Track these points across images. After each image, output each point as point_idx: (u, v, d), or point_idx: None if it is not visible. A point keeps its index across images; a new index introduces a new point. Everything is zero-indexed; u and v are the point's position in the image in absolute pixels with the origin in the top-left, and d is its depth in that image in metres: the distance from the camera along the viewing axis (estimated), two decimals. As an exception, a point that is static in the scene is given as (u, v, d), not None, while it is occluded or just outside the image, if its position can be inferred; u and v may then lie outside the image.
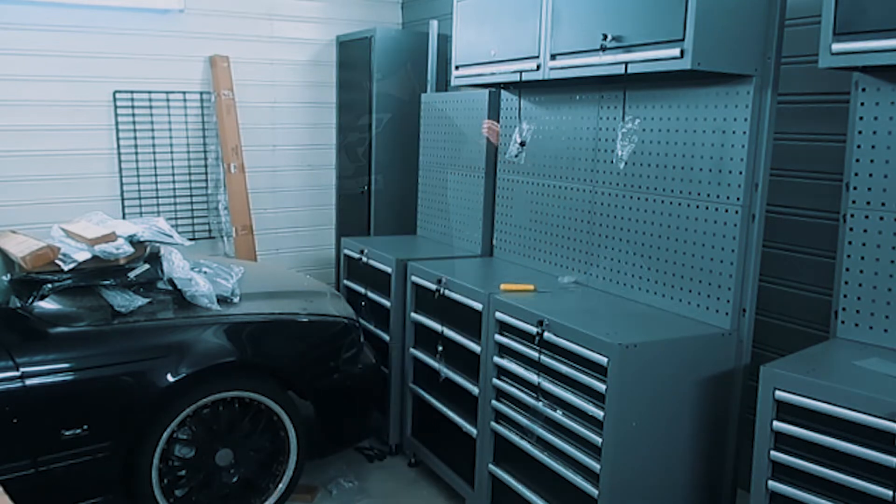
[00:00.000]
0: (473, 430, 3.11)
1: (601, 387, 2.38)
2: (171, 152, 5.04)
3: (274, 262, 5.45)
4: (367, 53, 5.07)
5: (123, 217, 4.75)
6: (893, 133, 2.20)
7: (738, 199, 2.48)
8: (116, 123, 4.83)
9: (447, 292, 3.24)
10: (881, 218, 2.23)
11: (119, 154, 4.87)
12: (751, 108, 2.44)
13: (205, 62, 5.07)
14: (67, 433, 2.66)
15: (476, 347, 3.05)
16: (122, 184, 4.90)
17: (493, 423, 2.98)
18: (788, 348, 2.52)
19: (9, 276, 2.88)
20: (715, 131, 2.56)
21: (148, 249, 3.12)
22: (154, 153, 4.98)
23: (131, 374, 2.79)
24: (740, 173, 2.47)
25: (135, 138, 4.90)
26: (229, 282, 3.32)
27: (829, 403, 1.93)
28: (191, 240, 4.01)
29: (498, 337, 2.91)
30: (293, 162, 5.53)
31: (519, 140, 3.21)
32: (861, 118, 2.27)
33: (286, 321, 3.25)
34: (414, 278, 3.53)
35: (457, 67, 3.54)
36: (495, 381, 2.94)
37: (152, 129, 4.96)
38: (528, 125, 3.26)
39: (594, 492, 2.44)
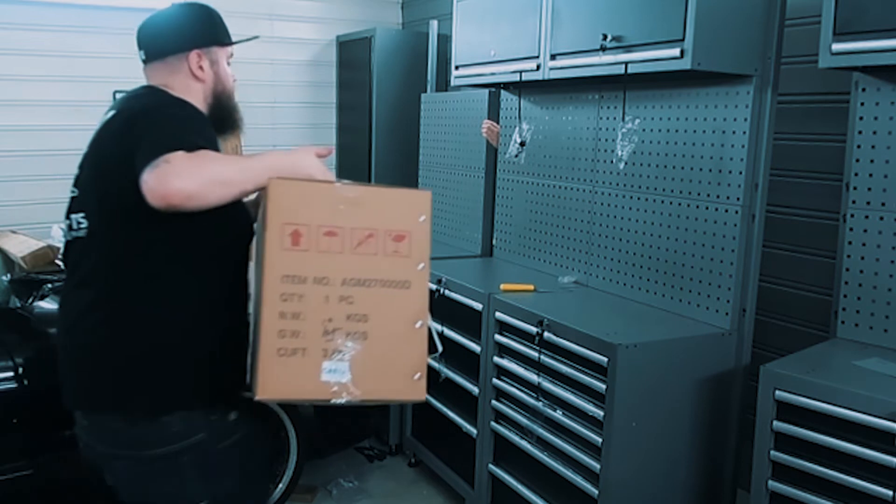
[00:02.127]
0: (473, 430, 3.11)
1: (601, 387, 2.38)
2: (171, 152, 5.03)
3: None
4: (367, 53, 5.06)
5: (123, 217, 4.75)
6: (893, 133, 2.20)
7: (738, 199, 2.48)
8: (116, 123, 4.83)
9: (447, 292, 3.24)
10: (881, 218, 2.23)
11: (119, 154, 4.86)
12: (751, 108, 2.43)
13: (205, 62, 5.06)
14: (67, 433, 2.66)
15: (476, 347, 3.05)
16: (122, 184, 4.89)
17: (493, 423, 2.98)
18: (788, 348, 2.52)
19: (9, 276, 2.88)
20: (715, 131, 2.56)
21: (148, 249, 3.12)
22: (154, 153, 4.97)
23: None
24: (740, 173, 2.47)
25: (135, 138, 4.89)
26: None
27: (830, 403, 1.93)
28: (191, 240, 4.01)
29: (498, 337, 2.90)
30: (293, 162, 5.52)
31: (519, 140, 3.21)
32: (861, 118, 2.26)
33: (286, 321, 3.24)
34: (414, 278, 3.52)
35: (457, 67, 3.54)
36: (495, 381, 2.93)
37: (152, 129, 4.95)
38: (527, 125, 3.26)
39: (594, 492, 2.44)
